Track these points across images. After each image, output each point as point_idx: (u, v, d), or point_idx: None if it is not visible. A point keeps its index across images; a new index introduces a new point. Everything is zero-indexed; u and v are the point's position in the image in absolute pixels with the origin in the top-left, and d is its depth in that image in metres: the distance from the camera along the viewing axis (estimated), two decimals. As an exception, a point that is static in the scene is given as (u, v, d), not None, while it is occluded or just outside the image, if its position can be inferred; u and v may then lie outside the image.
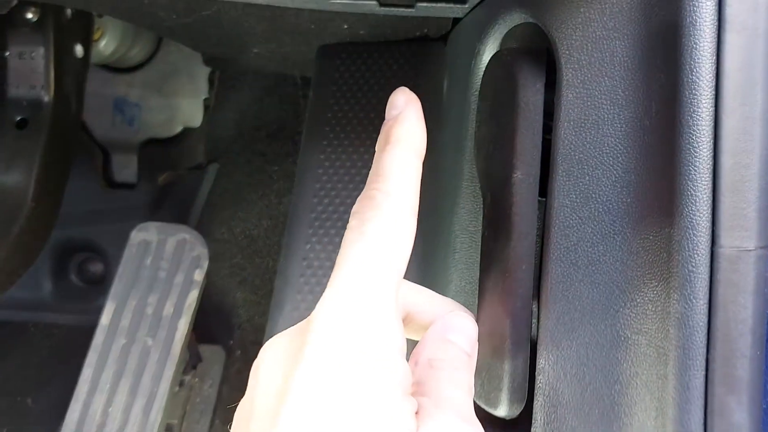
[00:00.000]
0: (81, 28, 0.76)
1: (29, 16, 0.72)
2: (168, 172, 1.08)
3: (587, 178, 0.34)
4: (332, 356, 0.24)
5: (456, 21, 0.65)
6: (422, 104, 0.32)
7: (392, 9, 0.52)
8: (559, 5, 0.34)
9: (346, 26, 0.65)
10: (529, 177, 0.37)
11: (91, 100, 0.99)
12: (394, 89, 0.68)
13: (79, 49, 0.76)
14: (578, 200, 0.34)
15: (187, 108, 1.07)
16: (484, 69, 0.44)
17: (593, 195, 0.34)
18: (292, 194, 0.67)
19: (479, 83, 0.45)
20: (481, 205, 0.43)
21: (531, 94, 0.36)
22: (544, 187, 0.37)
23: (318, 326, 0.25)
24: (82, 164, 1.00)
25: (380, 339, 0.25)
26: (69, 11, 0.73)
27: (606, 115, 0.33)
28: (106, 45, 0.91)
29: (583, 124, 0.34)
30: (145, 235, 0.84)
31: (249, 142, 1.04)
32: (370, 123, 0.66)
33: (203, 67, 1.04)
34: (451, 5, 0.47)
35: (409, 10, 0.51)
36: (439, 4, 0.47)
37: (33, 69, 0.74)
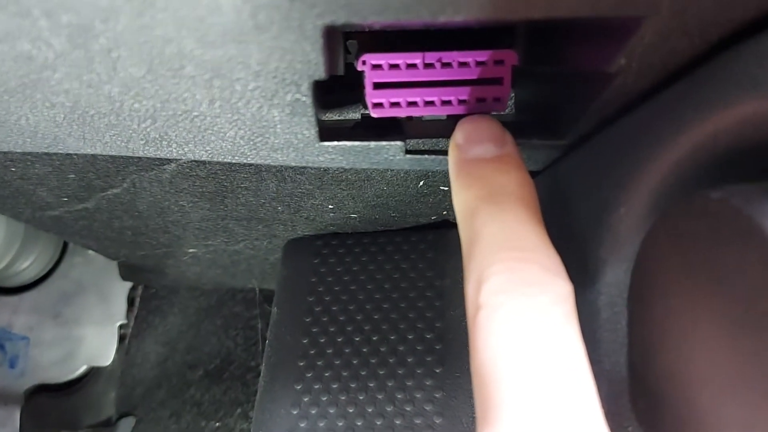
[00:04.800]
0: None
1: None
2: (62, 432, 0.81)
3: None
4: None
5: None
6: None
7: (423, 159, 0.33)
8: None
9: (330, 206, 0.46)
10: None
11: (-47, 334, 0.76)
12: (406, 297, 0.51)
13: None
14: None
15: (94, 340, 0.85)
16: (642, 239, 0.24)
17: None
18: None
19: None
20: None
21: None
22: None
23: None
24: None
25: None
26: None
27: None
28: (-22, 255, 0.71)
29: None
30: None
31: (178, 386, 0.80)
32: (373, 351, 0.44)
33: (120, 282, 0.83)
34: (548, 141, 0.28)
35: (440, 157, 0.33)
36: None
37: None
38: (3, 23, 0.22)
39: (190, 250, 0.55)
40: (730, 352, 0.19)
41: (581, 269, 0.27)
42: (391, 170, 0.41)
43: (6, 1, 0.21)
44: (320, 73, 0.24)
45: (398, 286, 0.47)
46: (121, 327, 0.85)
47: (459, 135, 0.27)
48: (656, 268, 0.23)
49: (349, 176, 0.41)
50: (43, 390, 0.84)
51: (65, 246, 0.86)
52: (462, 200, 0.25)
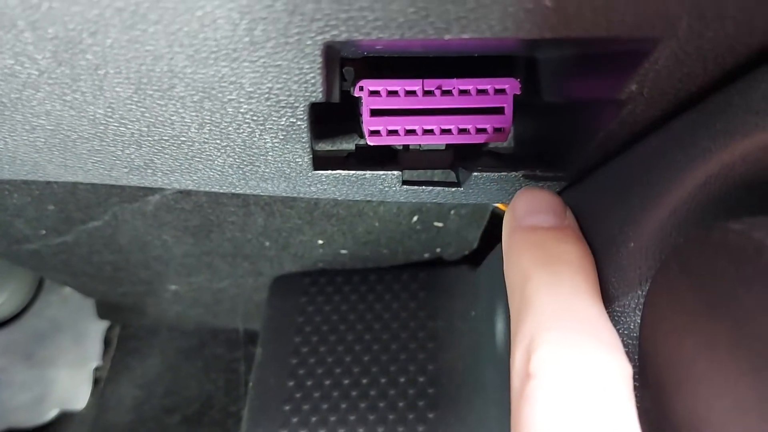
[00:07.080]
0: None
1: None
2: (30, 482, 0.78)
3: None
4: None
5: (486, 235, 0.47)
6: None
7: (420, 191, 0.32)
8: None
9: (320, 242, 0.44)
10: None
11: None
12: (397, 338, 0.52)
13: None
14: None
15: (66, 382, 0.82)
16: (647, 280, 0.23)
17: None
18: None
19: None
20: None
21: None
22: None
23: None
24: None
25: None
26: None
27: None
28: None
29: None
30: None
31: (155, 431, 0.77)
32: (362, 395, 0.42)
33: (96, 322, 0.81)
34: (550, 173, 0.28)
35: (450, 190, 0.32)
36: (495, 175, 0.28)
37: None
38: (-17, 36, 0.21)
39: (172, 287, 0.54)
40: (753, 395, 0.18)
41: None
42: (383, 205, 0.40)
43: (-14, 13, 0.20)
44: (318, 95, 0.23)
45: (389, 326, 0.46)
46: (96, 370, 0.82)
47: (519, 204, 0.26)
48: (670, 306, 0.22)
49: (340, 211, 0.40)
50: (11, 435, 0.81)
51: (40, 284, 0.84)
52: (514, 266, 0.23)
